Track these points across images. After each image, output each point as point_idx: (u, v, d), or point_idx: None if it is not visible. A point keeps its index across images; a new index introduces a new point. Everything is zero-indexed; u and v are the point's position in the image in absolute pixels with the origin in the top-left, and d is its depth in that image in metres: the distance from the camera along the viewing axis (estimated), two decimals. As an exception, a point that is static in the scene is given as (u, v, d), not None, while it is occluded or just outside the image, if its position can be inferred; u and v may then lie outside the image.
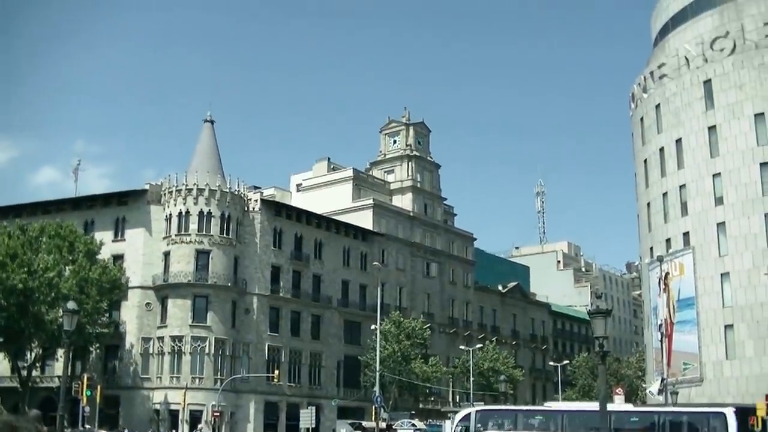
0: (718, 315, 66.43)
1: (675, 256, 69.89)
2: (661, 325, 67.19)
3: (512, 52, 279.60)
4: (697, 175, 69.66)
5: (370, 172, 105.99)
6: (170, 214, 78.70)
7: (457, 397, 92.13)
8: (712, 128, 69.11)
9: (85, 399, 59.87)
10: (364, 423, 75.38)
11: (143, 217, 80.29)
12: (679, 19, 75.18)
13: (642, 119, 78.31)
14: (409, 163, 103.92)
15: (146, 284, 78.35)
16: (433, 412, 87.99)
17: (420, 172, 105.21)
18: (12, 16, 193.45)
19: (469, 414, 43.50)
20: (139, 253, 79.25)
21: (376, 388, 69.61)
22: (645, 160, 77.09)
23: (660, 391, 60.77)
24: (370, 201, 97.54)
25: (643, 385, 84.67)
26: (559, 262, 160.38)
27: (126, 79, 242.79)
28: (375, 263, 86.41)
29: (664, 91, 74.21)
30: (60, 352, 67.51)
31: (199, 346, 75.51)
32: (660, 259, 68.23)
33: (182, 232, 77.82)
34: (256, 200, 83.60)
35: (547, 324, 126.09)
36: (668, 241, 72.21)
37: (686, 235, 70.11)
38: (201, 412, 73.35)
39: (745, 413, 45.57)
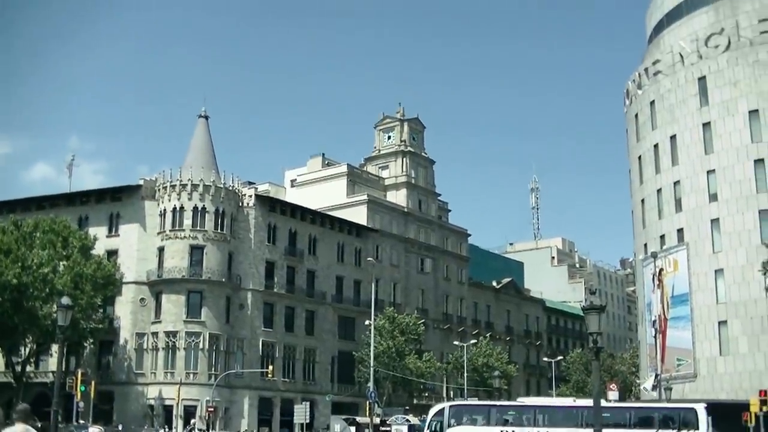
0: (711, 311, 66.53)
1: (669, 253, 70.01)
2: (655, 321, 67.39)
3: (507, 49, 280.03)
4: (692, 171, 69.74)
5: (365, 168, 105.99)
6: (164, 210, 78.62)
7: (451, 392, 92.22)
8: (706, 125, 69.17)
9: (79, 394, 59.94)
10: (358, 418, 75.40)
11: (137, 212, 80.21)
12: (674, 15, 75.20)
13: (636, 116, 78.35)
14: (404, 159, 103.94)
15: (140, 280, 78.27)
16: (427, 408, 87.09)
17: (414, 168, 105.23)
18: (6, 14, 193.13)
19: (443, 409, 43.71)
20: (134, 248, 79.19)
21: (371, 384, 69.70)
22: (639, 157, 77.16)
23: (654, 387, 61.02)
24: (365, 197, 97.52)
25: (637, 381, 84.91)
26: (553, 258, 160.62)
27: (120, 75, 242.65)
28: (369, 259, 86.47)
29: (659, 88, 74.27)
30: (54, 347, 67.55)
31: (193, 341, 75.46)
32: (654, 256, 68.37)
33: (176, 228, 77.74)
34: (250, 196, 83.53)
35: (541, 320, 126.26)
36: (662, 237, 72.31)
37: (680, 231, 70.19)
38: (195, 407, 73.28)
39: (716, 409, 45.87)
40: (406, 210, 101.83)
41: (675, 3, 75.38)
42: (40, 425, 39.99)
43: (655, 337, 64.99)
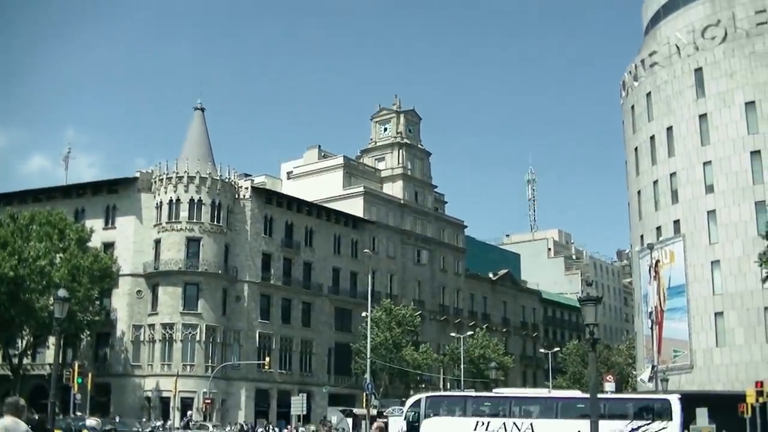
0: (708, 302, 66.67)
1: (665, 244, 70.08)
2: (651, 313, 67.46)
3: (503, 41, 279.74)
4: (688, 163, 69.80)
5: (361, 160, 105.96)
6: (161, 202, 78.58)
7: (448, 384, 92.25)
8: (702, 116, 69.21)
9: (76, 386, 59.92)
10: (355, 410, 75.48)
11: (134, 205, 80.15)
12: (670, 7, 75.13)
13: (633, 107, 78.37)
14: (400, 151, 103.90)
15: (137, 272, 78.27)
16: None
17: (411, 159, 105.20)
18: (3, 6, 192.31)
19: (420, 400, 43.85)
20: (130, 240, 79.15)
21: (367, 376, 69.72)
22: (636, 148, 77.19)
23: (650, 379, 61.10)
24: (361, 189, 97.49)
25: (634, 373, 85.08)
26: (549, 249, 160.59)
27: (117, 68, 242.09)
28: (366, 251, 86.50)
29: (655, 80, 74.26)
30: (51, 339, 67.60)
31: (189, 333, 75.50)
32: (650, 247, 68.44)
33: (173, 220, 77.73)
34: (246, 188, 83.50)
35: (538, 311, 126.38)
36: (659, 228, 72.38)
37: (677, 223, 70.29)
38: (192, 399, 73.40)
39: (712, 401, 46.07)
40: (402, 202, 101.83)
41: (671, -6, 75.35)
42: (37, 417, 40.07)
43: (651, 328, 65.07)
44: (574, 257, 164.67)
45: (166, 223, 77.83)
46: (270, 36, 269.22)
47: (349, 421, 74.45)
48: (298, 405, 68.58)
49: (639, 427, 37.12)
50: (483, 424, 40.38)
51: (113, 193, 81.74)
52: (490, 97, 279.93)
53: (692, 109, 70.04)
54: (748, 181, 65.45)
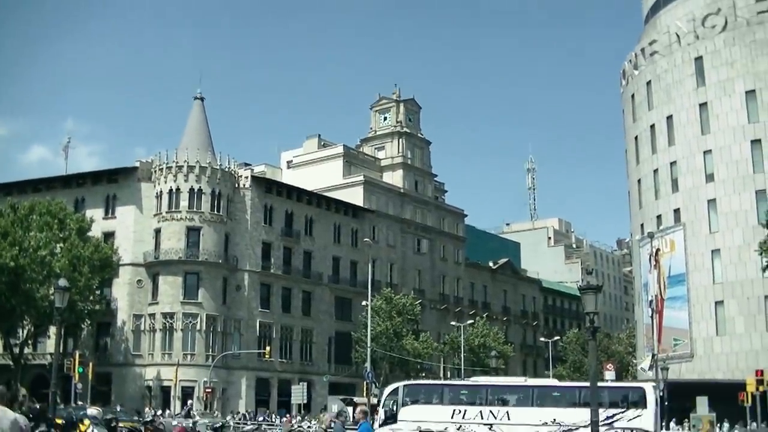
0: (708, 291, 66.80)
1: (666, 233, 70.17)
2: (651, 302, 67.54)
3: (503, 30, 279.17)
4: (688, 152, 69.83)
5: (361, 149, 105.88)
6: (161, 192, 78.55)
7: (448, 373, 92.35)
8: (703, 105, 69.23)
9: (76, 376, 60.05)
10: (355, 399, 75.47)
11: (134, 194, 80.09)
12: (670, -5, 75.07)
13: (633, 96, 78.33)
14: (400, 140, 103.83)
15: (137, 261, 78.28)
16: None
17: (410, 148, 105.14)
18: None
19: (397, 388, 43.94)
20: (130, 230, 79.14)
21: (368, 364, 69.78)
22: (636, 137, 77.20)
23: (651, 367, 61.19)
24: (361, 178, 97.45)
25: (634, 361, 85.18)
26: (549, 238, 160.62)
27: (116, 58, 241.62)
28: (366, 240, 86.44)
29: (655, 68, 74.21)
30: (52, 329, 67.63)
31: (190, 322, 75.58)
32: (651, 236, 68.49)
33: (173, 210, 77.71)
34: (246, 177, 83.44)
35: (538, 300, 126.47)
36: (659, 217, 72.46)
37: (677, 211, 70.37)
38: (193, 388, 73.53)
39: (713, 389, 46.11)
40: (402, 191, 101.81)
41: (672, -18, 75.22)
42: (38, 407, 40.11)
43: (651, 317, 65.14)
44: (574, 246, 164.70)
45: (166, 212, 77.81)
46: (269, 26, 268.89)
47: (350, 410, 74.52)
48: (298, 394, 68.73)
49: (614, 415, 37.41)
50: (460, 412, 40.59)
51: (113, 183, 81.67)
52: (490, 85, 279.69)
53: (692, 98, 70.04)
54: (749, 170, 65.52)
